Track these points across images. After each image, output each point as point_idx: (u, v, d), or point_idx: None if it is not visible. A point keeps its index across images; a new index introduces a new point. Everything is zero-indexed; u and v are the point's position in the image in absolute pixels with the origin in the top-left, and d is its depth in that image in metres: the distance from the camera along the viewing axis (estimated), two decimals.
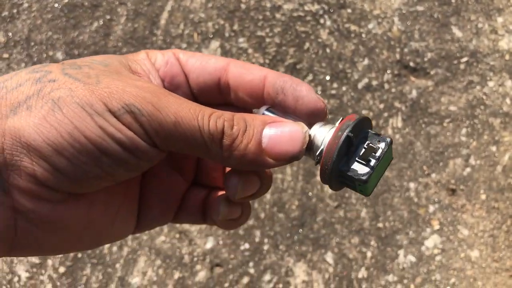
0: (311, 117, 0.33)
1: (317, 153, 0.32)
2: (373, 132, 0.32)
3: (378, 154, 0.31)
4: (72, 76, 0.28)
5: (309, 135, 0.32)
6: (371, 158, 0.31)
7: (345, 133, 0.30)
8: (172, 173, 0.36)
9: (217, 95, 0.35)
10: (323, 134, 0.32)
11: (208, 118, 0.29)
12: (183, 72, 0.35)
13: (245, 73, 0.34)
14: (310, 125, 0.33)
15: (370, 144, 0.31)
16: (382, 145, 0.31)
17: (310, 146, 0.32)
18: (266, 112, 0.34)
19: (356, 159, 0.31)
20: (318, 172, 1.25)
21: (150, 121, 0.28)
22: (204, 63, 0.34)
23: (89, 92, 0.27)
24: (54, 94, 0.27)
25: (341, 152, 0.30)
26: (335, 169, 0.31)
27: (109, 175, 0.29)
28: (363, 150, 0.31)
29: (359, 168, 0.31)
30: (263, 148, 0.30)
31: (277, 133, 0.31)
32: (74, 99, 0.27)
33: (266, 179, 0.34)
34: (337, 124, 0.32)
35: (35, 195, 0.28)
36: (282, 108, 0.34)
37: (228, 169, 0.37)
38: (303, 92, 0.33)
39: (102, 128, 0.27)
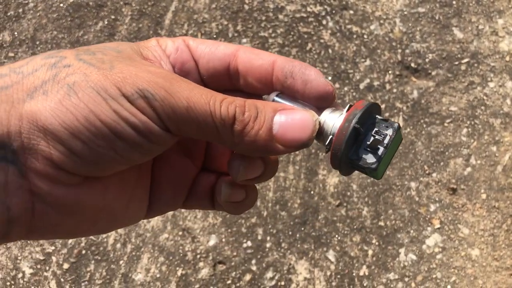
0: (320, 101, 0.33)
1: (327, 143, 0.32)
2: (381, 117, 0.32)
3: (386, 141, 0.31)
4: (86, 61, 0.29)
5: (319, 122, 0.33)
6: (379, 146, 0.31)
7: (351, 125, 0.31)
8: (182, 158, 0.37)
9: (226, 81, 0.36)
10: (333, 121, 0.32)
11: (220, 104, 0.29)
12: (193, 58, 0.35)
13: (254, 58, 0.34)
14: (319, 110, 0.33)
15: (378, 133, 0.31)
16: (389, 131, 0.31)
17: (320, 132, 0.33)
18: (276, 98, 0.34)
19: (365, 147, 0.32)
20: (320, 171, 1.27)
21: (163, 106, 0.28)
22: (214, 49, 0.35)
23: (103, 77, 0.28)
24: (69, 79, 0.28)
25: (349, 142, 0.31)
26: (345, 158, 0.32)
27: (123, 158, 0.29)
28: (371, 138, 0.31)
29: (368, 156, 0.31)
30: (274, 135, 0.31)
31: (288, 120, 0.31)
32: (89, 83, 0.28)
33: (270, 164, 0.35)
34: (345, 111, 0.32)
35: (51, 178, 0.28)
36: (291, 94, 0.34)
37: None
38: (311, 76, 0.33)
39: (117, 112, 0.28)
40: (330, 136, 0.32)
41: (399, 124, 0.32)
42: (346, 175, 0.34)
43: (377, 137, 0.31)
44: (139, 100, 0.28)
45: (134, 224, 1.26)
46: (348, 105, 0.33)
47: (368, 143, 0.31)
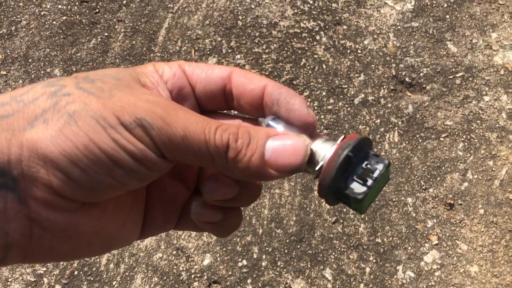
0: (302, 130, 0.35)
1: (317, 168, 0.33)
2: (373, 152, 0.33)
3: (375, 175, 0.32)
4: (86, 90, 0.30)
5: (311, 149, 0.33)
6: (368, 178, 0.32)
7: (345, 152, 0.31)
8: (175, 182, 0.38)
9: (222, 102, 0.37)
10: (324, 151, 0.33)
11: (214, 132, 0.31)
12: (190, 83, 0.36)
13: (247, 83, 0.36)
14: (311, 138, 0.34)
15: (368, 165, 0.32)
16: (380, 166, 0.32)
17: (311, 160, 0.33)
18: (271, 123, 0.35)
19: (354, 177, 0.32)
20: (316, 187, 1.25)
21: (160, 135, 0.29)
22: (209, 74, 0.36)
23: (102, 106, 0.29)
24: (69, 108, 0.29)
25: (340, 170, 0.32)
26: (333, 186, 0.32)
27: (121, 184, 0.30)
28: (361, 170, 0.32)
29: (356, 186, 0.32)
30: (266, 160, 0.32)
31: (280, 145, 0.32)
32: (88, 112, 0.29)
33: (248, 188, 0.35)
34: (338, 141, 0.33)
35: (50, 204, 0.29)
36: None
37: None
38: (295, 105, 0.34)
39: (115, 140, 0.29)
40: (321, 163, 0.32)
41: (389, 161, 0.33)
42: (331, 204, 0.34)
43: (368, 167, 0.32)
44: (137, 129, 0.29)
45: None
46: (342, 136, 0.33)
47: (358, 174, 0.32)
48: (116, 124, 0.29)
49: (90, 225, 0.31)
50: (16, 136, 0.28)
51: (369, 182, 0.32)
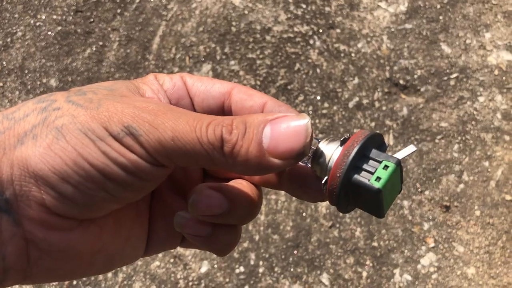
0: None
1: (323, 181, 0.31)
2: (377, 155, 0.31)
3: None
4: (75, 102, 0.29)
5: (319, 149, 0.31)
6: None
7: (341, 178, 0.29)
8: (175, 198, 0.36)
9: None
10: (330, 153, 0.31)
11: (206, 128, 0.28)
12: (189, 95, 0.35)
13: (247, 99, 0.34)
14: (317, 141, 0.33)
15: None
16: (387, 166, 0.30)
17: (316, 162, 0.31)
18: None
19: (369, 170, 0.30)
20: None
21: (148, 140, 0.28)
22: (209, 88, 0.35)
23: (90, 118, 0.28)
24: (58, 122, 0.28)
25: (342, 190, 0.30)
26: (344, 186, 0.30)
27: (115, 198, 0.29)
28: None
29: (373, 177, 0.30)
30: (266, 149, 0.29)
31: (277, 130, 0.29)
32: (76, 125, 0.27)
33: (240, 203, 0.33)
34: (341, 147, 0.31)
35: (45, 224, 0.28)
36: None
37: None
38: None
39: (105, 153, 0.27)
40: (325, 178, 0.30)
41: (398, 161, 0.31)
42: (344, 211, 0.32)
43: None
44: (126, 138, 0.28)
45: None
46: (346, 136, 0.31)
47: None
48: (105, 135, 0.27)
49: (90, 243, 0.30)
50: (7, 154, 0.27)
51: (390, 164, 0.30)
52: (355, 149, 0.29)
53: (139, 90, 0.33)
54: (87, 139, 0.27)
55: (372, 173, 0.30)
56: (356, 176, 0.30)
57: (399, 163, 0.30)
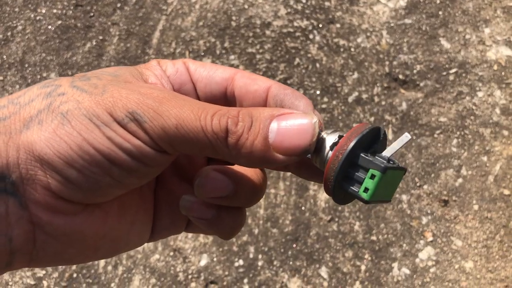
0: None
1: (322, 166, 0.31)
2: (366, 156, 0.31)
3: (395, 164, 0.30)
4: (79, 88, 0.29)
5: (320, 135, 0.31)
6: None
7: (339, 165, 0.29)
8: (180, 183, 0.36)
9: (223, 105, 0.35)
10: (328, 146, 0.31)
11: (211, 118, 0.29)
12: (191, 80, 0.35)
13: (250, 83, 0.34)
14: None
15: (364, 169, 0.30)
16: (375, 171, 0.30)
17: (318, 152, 0.31)
18: None
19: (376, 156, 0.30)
20: (311, 186, 1.26)
21: (152, 127, 0.28)
22: (212, 73, 0.35)
23: (95, 103, 0.28)
24: (63, 108, 0.28)
25: (340, 174, 0.30)
26: (337, 188, 0.30)
27: (120, 183, 0.29)
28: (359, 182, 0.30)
29: (378, 160, 0.30)
30: (271, 144, 0.29)
31: (285, 126, 0.29)
32: (81, 111, 0.28)
33: (246, 185, 0.33)
34: (344, 135, 0.31)
35: (51, 207, 0.28)
36: None
37: None
38: (300, 107, 0.32)
39: (110, 139, 0.28)
40: (326, 160, 0.31)
41: (386, 167, 0.30)
42: (341, 203, 0.32)
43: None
44: (130, 124, 0.28)
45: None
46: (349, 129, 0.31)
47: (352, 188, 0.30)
48: (109, 121, 0.28)
49: (95, 228, 0.31)
50: (13, 138, 0.27)
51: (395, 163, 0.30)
52: (340, 162, 0.29)
53: (142, 76, 0.33)
54: (92, 125, 0.28)
55: (360, 183, 0.30)
56: (346, 186, 0.30)
57: (385, 170, 0.29)
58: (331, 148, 0.31)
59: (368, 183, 0.29)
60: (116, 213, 0.32)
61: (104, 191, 0.29)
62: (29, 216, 0.28)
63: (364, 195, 0.29)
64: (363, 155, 0.30)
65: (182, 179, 0.36)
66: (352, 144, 0.29)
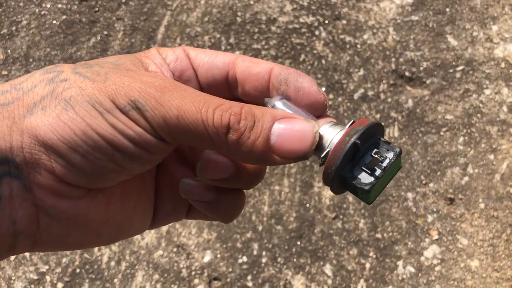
0: (311, 109, 0.33)
1: (322, 155, 0.31)
2: (384, 139, 0.31)
3: (384, 164, 0.30)
4: (82, 74, 0.29)
5: (319, 135, 0.31)
6: (376, 168, 0.30)
7: (352, 140, 0.29)
8: (183, 169, 0.37)
9: (225, 90, 0.36)
10: (332, 136, 0.31)
11: (213, 112, 0.29)
12: (192, 67, 0.35)
13: (252, 66, 0.34)
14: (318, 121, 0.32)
15: (378, 154, 0.30)
16: (390, 154, 0.30)
17: (317, 145, 0.31)
18: (278, 103, 0.33)
19: (362, 167, 0.30)
20: (315, 184, 1.25)
21: (153, 116, 0.28)
22: (213, 59, 0.35)
23: (97, 90, 0.28)
24: (66, 94, 0.28)
25: (346, 158, 0.30)
26: (338, 175, 0.30)
27: (124, 169, 0.30)
28: (370, 158, 0.30)
29: (364, 176, 0.30)
30: (271, 145, 0.30)
31: (286, 130, 0.30)
32: (84, 97, 0.28)
33: (246, 168, 0.33)
34: (347, 127, 0.31)
35: (55, 191, 0.29)
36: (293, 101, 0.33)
37: None
38: (304, 83, 0.33)
39: (113, 125, 0.28)
40: (327, 149, 0.31)
41: (400, 149, 0.30)
42: (337, 193, 0.32)
43: (376, 157, 0.30)
44: (132, 112, 0.28)
45: (129, 240, 1.24)
46: (351, 121, 0.31)
47: (366, 162, 0.30)
48: (111, 108, 0.28)
49: (98, 212, 0.31)
50: (16, 123, 0.28)
51: (378, 172, 0.29)
52: (351, 140, 0.29)
53: (142, 64, 0.33)
54: (95, 111, 0.28)
55: (367, 168, 0.30)
56: (348, 174, 0.30)
57: (400, 153, 0.30)
58: (351, 125, 0.31)
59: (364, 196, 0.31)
60: (118, 199, 0.32)
61: (107, 177, 0.30)
62: (33, 199, 0.29)
63: (366, 201, 0.30)
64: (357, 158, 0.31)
65: (183, 165, 0.37)
66: (369, 124, 0.30)
